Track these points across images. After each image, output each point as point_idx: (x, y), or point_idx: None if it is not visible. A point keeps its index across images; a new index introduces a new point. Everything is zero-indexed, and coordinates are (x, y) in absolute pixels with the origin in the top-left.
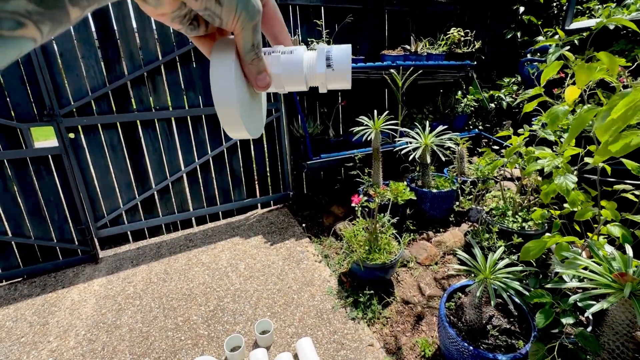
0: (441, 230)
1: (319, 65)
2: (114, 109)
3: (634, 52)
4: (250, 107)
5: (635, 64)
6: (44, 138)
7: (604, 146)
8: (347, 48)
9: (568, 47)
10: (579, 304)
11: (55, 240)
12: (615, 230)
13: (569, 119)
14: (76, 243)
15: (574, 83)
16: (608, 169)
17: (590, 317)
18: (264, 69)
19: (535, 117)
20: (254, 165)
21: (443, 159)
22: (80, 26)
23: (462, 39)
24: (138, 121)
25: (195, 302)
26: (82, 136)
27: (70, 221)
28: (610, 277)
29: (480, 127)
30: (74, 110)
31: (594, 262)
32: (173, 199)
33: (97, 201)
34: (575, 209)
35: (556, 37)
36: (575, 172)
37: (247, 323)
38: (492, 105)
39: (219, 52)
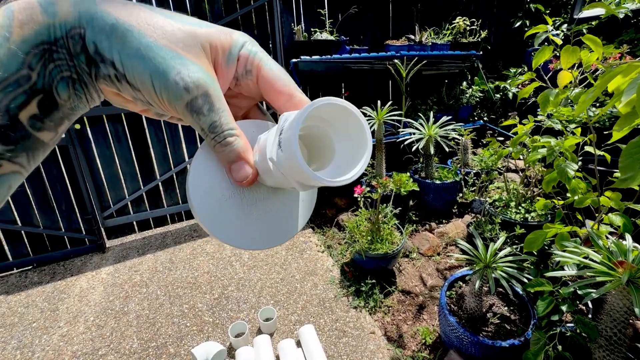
0: (444, 221)
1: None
2: None
3: None
4: (250, 210)
5: None
6: None
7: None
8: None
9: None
10: (579, 292)
11: (63, 230)
12: (616, 219)
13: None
14: (83, 233)
15: (580, 70)
16: (608, 157)
17: (590, 305)
18: (235, 156)
19: None
20: None
21: (447, 150)
22: None
23: (468, 28)
24: None
25: (200, 290)
26: (87, 127)
27: (77, 211)
28: (609, 265)
29: (485, 118)
30: None
31: (593, 250)
32: (177, 190)
33: (103, 192)
34: (576, 197)
35: (564, 26)
36: (580, 162)
37: (250, 311)
38: (498, 96)
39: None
